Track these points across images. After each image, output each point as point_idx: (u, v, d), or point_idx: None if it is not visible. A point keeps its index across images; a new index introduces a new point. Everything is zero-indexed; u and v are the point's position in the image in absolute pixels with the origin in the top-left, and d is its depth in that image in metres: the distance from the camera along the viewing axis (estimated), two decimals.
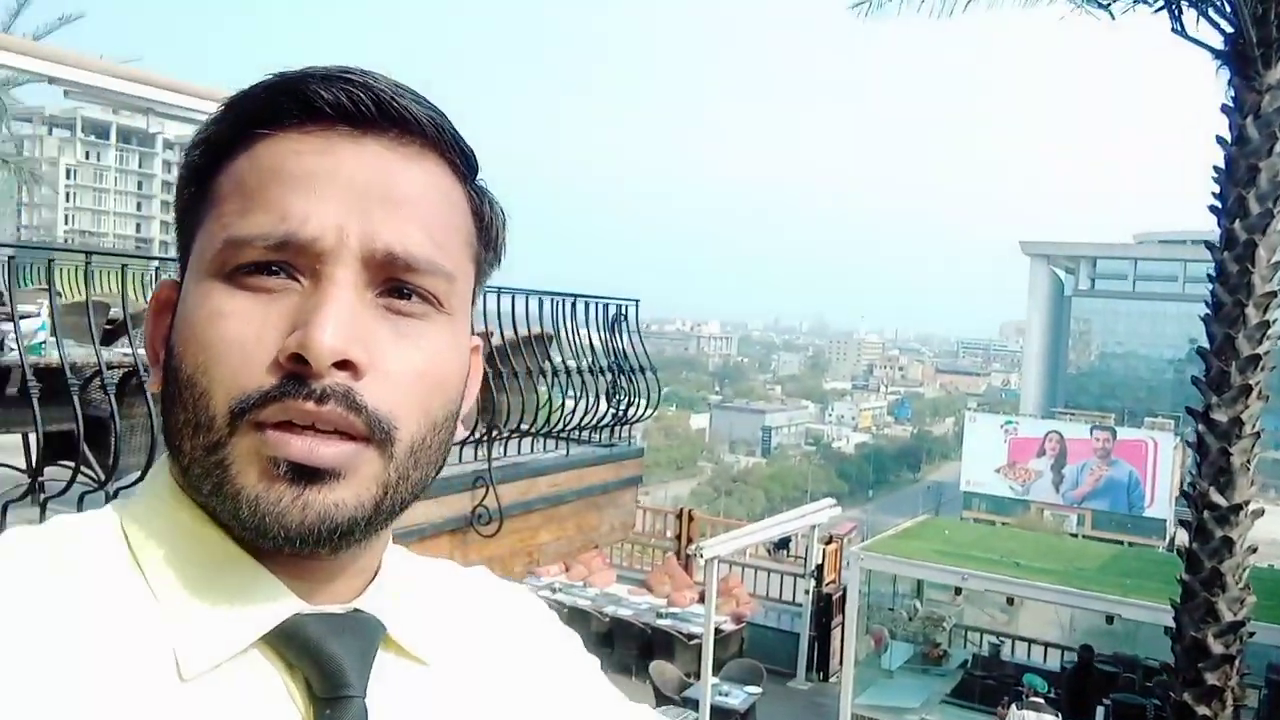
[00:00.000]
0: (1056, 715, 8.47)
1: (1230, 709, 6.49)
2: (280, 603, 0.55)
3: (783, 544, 13.38)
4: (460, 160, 0.60)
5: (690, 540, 13.57)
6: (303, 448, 0.52)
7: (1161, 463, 44.24)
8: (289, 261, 0.54)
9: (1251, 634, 6.56)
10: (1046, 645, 12.41)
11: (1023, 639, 12.66)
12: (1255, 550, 6.56)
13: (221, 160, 0.57)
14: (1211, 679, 6.38)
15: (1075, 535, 37.20)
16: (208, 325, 0.53)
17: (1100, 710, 9.62)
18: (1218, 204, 6.39)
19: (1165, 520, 45.26)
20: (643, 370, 7.21)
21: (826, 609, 12.53)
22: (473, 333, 0.63)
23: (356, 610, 0.58)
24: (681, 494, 68.47)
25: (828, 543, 13.18)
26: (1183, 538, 6.76)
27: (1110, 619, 9.91)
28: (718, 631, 10.71)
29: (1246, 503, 6.35)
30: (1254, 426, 6.28)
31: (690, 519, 14.68)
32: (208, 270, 0.55)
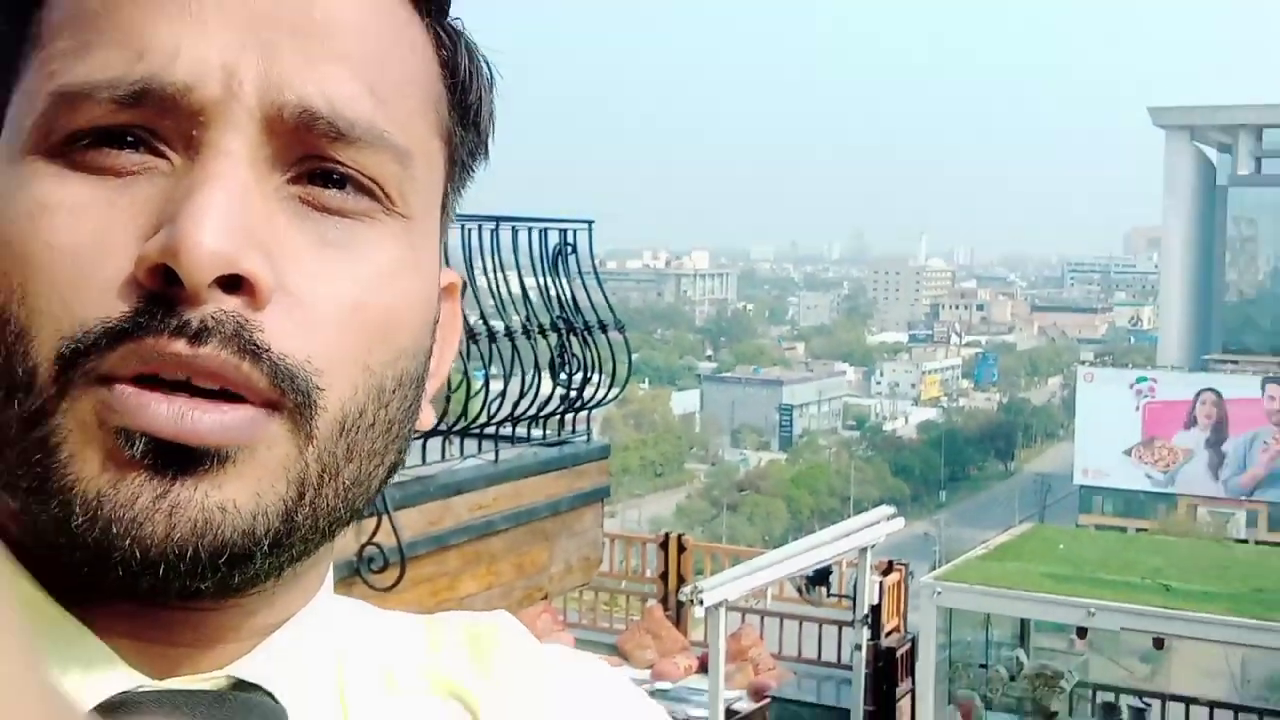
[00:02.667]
0: None
1: None
2: (104, 674, 0.50)
3: (819, 578, 13.43)
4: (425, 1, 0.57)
5: (682, 580, 13.63)
6: (169, 415, 0.47)
7: None
8: (150, 124, 0.50)
9: None
10: (1212, 706, 12.63)
11: (1177, 698, 12.85)
12: None
13: None
14: None
15: (1246, 541, 37.85)
16: (27, 225, 0.49)
17: None
18: None
19: None
20: (602, 328, 7.21)
21: (888, 670, 12.66)
22: (445, 263, 0.61)
23: (238, 684, 0.53)
24: (663, 512, 69.12)
25: (886, 573, 13.27)
26: None
27: None
28: (730, 714, 10.75)
29: None
30: None
31: (680, 549, 14.73)
32: (27, 145, 0.51)
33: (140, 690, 0.51)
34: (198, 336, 0.47)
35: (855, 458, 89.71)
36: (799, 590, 13.75)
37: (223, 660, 0.53)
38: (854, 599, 13.08)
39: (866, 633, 12.69)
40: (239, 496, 0.48)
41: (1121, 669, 13.55)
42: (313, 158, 0.51)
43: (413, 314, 0.55)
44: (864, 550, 12.88)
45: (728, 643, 11.66)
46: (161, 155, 0.50)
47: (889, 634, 12.99)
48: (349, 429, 0.51)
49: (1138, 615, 10.36)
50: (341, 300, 0.51)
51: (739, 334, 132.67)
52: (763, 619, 13.85)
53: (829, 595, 13.80)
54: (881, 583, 13.13)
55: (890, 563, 13.61)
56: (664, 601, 14.12)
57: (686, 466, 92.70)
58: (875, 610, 12.86)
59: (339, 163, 0.51)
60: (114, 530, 0.47)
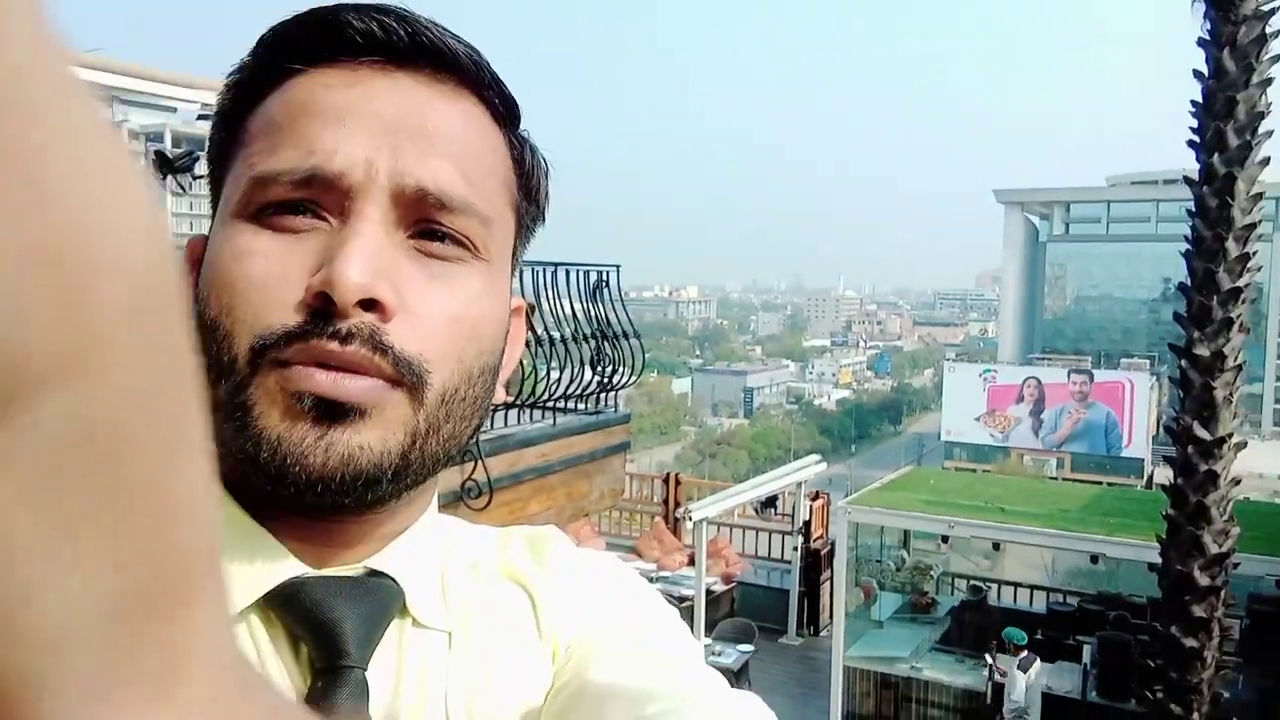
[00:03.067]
0: (1037, 660, 8.60)
1: (1216, 639, 6.56)
2: (280, 564, 0.52)
3: (769, 503, 13.41)
4: (500, 102, 0.57)
5: (678, 504, 13.60)
6: (327, 381, 0.49)
7: (1138, 403, 44.83)
8: (316, 199, 0.51)
9: (1236, 565, 6.62)
10: (1032, 588, 12.56)
11: (1008, 583, 12.78)
12: (1238, 482, 6.61)
13: (252, 101, 0.55)
14: (1198, 611, 6.44)
15: (1055, 479, 37.63)
16: (233, 265, 0.51)
17: (1086, 649, 9.73)
18: (1196, 139, 6.36)
19: (1143, 460, 45.95)
20: (625, 336, 7.18)
21: (815, 564, 12.62)
22: (522, 293, 0.62)
23: (372, 572, 0.55)
24: (666, 459, 68.80)
25: (815, 499, 13.24)
26: (1160, 475, 6.80)
27: (1094, 559, 10.02)
28: (708, 593, 10.75)
29: (1229, 436, 6.37)
30: (1235, 360, 6.28)
31: (677, 483, 14.70)
32: (234, 211, 0.53)
33: (306, 576, 0.52)
34: (346, 338, 0.49)
35: (795, 423, 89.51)
36: (756, 510, 13.73)
37: (361, 557, 0.55)
38: (793, 516, 13.07)
39: (801, 539, 12.68)
40: (371, 440, 0.50)
41: (971, 563, 13.46)
42: (424, 220, 0.53)
43: (491, 325, 0.56)
44: (800, 484, 12.88)
45: (708, 545, 11.65)
46: (324, 219, 0.51)
47: (816, 540, 12.96)
48: (447, 400, 0.53)
49: (983, 528, 10.28)
50: (444, 315, 0.53)
51: (717, 341, 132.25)
52: (732, 530, 13.80)
53: (776, 514, 13.77)
54: (811, 506, 13.07)
55: (817, 492, 13.60)
56: (665, 518, 14.09)
57: (682, 429, 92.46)
58: (807, 524, 12.82)
59: (441, 224, 0.53)
60: (289, 461, 0.49)
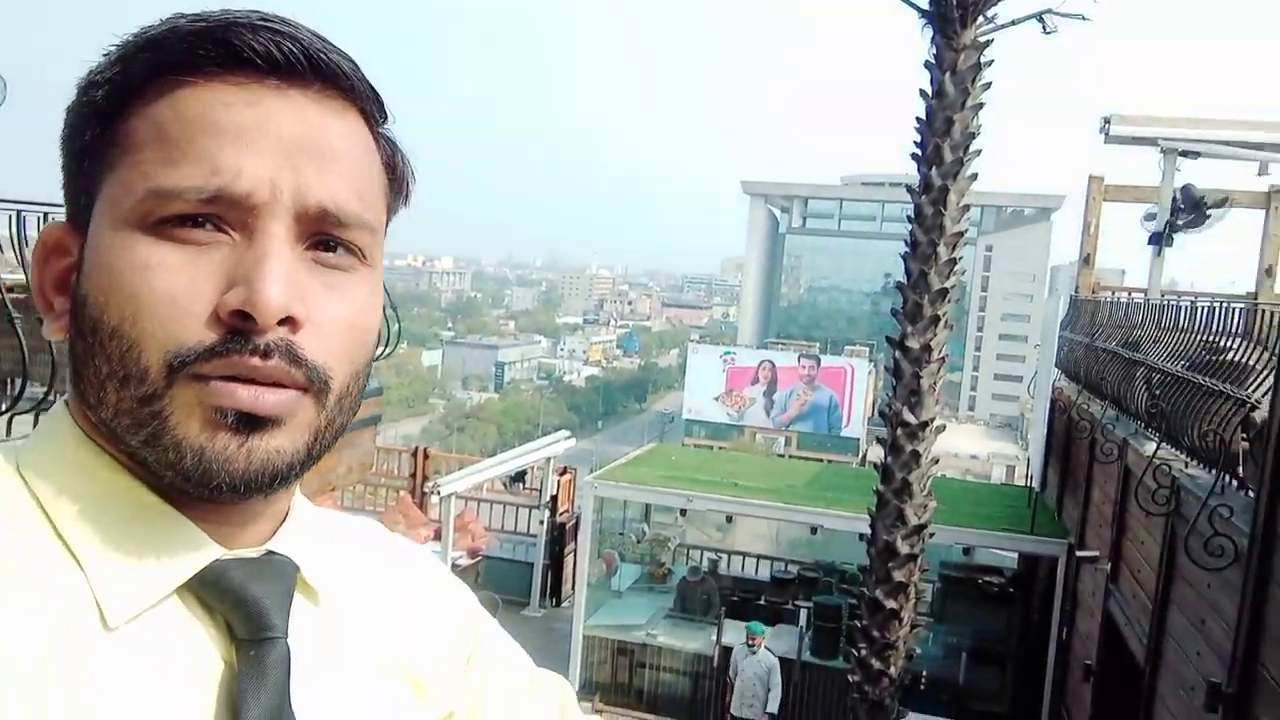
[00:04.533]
0: (774, 658, 9.19)
1: (913, 601, 7.32)
2: (201, 550, 0.57)
3: (518, 477, 13.48)
4: (376, 110, 0.61)
5: (426, 478, 13.36)
6: (249, 397, 0.53)
7: (857, 387, 48.79)
8: (219, 215, 0.54)
9: (931, 534, 7.41)
10: (758, 557, 13.42)
11: (737, 553, 13.60)
12: (937, 461, 7.38)
13: (130, 103, 0.56)
14: (899, 576, 7.16)
15: (783, 456, 40.34)
16: (134, 277, 0.53)
17: (804, 613, 10.55)
18: (918, 152, 6.99)
19: (859, 439, 50.11)
20: (381, 307, 6.96)
21: (560, 538, 12.83)
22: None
23: (271, 552, 0.61)
24: (412, 432, 67.26)
25: (562, 474, 13.44)
26: (874, 454, 7.46)
27: (814, 530, 10.81)
28: (453, 567, 10.64)
29: (932, 420, 7.11)
30: (940, 352, 7.01)
31: (426, 457, 14.45)
32: (127, 220, 0.54)
33: (226, 558, 0.58)
34: (266, 354, 0.53)
35: (544, 398, 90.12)
36: (505, 485, 13.76)
37: (259, 535, 0.61)
38: (541, 491, 13.22)
39: (547, 513, 12.84)
40: (285, 444, 0.55)
41: (705, 535, 14.19)
42: (321, 234, 0.56)
43: (375, 325, 0.61)
44: (548, 459, 13.03)
45: (455, 520, 11.56)
46: (225, 233, 0.54)
47: (562, 514, 13.15)
48: (342, 399, 0.58)
49: (718, 501, 10.75)
50: (341, 323, 0.57)
51: (471, 314, 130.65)
52: (479, 504, 13.77)
53: (524, 488, 13.88)
54: (559, 480, 13.25)
55: (565, 467, 13.79)
56: (413, 493, 13.83)
57: (430, 401, 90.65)
58: (554, 499, 12.98)
59: (337, 238, 0.57)
60: (215, 467, 0.53)
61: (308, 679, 0.60)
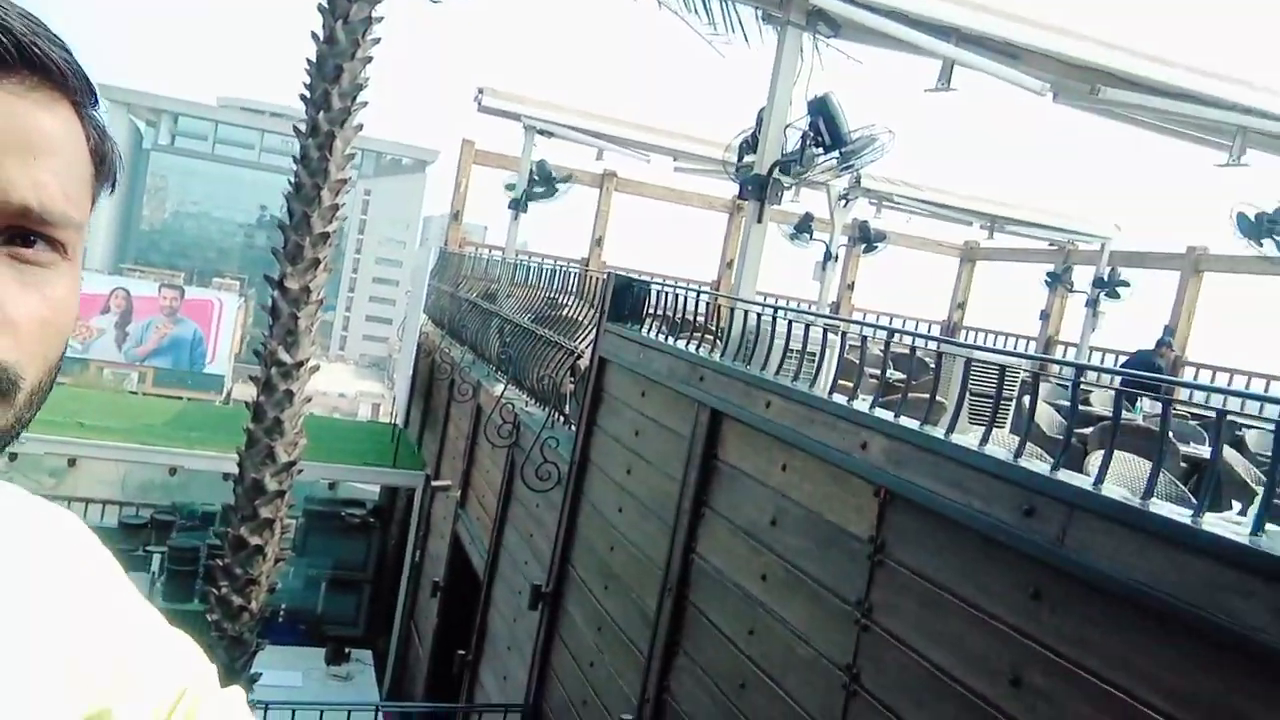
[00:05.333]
0: None
1: (278, 536, 7.41)
2: None
3: None
4: (86, 99, 0.59)
5: None
6: None
7: (225, 321, 46.45)
8: None
9: (300, 471, 7.56)
10: (104, 503, 12.31)
11: (80, 499, 12.27)
12: (310, 400, 7.53)
13: None
14: (265, 512, 7.19)
15: (136, 393, 36.84)
16: None
17: (156, 558, 9.99)
18: (307, 94, 6.96)
19: (224, 376, 47.85)
20: None
21: None
22: None
23: None
24: None
25: None
26: (240, 392, 7.38)
27: (173, 471, 10.27)
28: None
29: (307, 360, 7.22)
30: (319, 295, 7.13)
31: None
32: None
33: None
34: None
35: None
36: None
37: None
38: None
39: None
40: None
41: (37, 482, 12.51)
42: (18, 229, 0.54)
43: (73, 321, 0.59)
44: None
45: None
46: None
47: None
48: (34, 396, 0.57)
49: (58, 443, 9.69)
50: (37, 320, 0.55)
51: None
52: None
53: None
54: None
55: None
56: None
57: None
58: None
59: (40, 234, 0.55)
60: None
61: None
